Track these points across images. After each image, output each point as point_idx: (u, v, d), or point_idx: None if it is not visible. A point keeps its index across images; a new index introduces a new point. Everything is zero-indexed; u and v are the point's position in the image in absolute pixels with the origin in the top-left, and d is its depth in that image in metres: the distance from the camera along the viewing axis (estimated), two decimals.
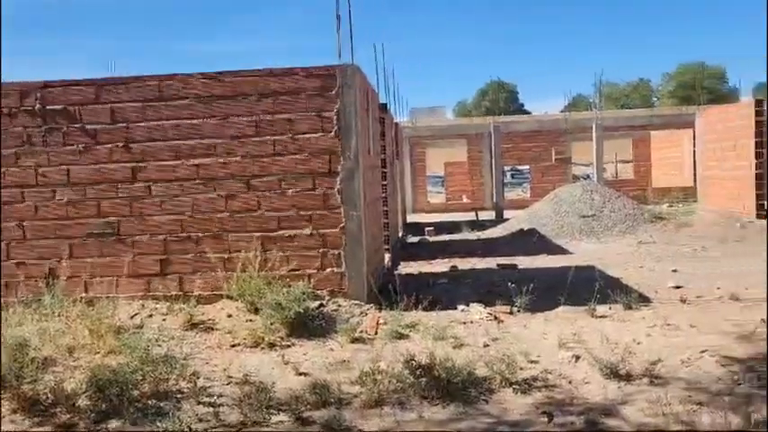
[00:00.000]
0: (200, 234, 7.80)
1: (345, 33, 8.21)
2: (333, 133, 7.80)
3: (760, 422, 4.27)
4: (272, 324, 6.59)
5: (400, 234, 16.33)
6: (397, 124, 16.89)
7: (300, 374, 5.63)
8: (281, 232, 7.86)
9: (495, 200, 21.40)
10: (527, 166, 25.84)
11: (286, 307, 6.63)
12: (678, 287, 9.04)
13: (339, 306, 7.67)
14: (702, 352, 5.94)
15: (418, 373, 5.17)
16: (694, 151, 20.79)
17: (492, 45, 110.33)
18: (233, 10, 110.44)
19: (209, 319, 7.14)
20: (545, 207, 16.95)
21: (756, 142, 15.09)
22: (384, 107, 12.29)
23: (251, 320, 6.94)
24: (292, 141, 7.84)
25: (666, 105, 51.88)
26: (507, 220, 18.35)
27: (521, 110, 64.09)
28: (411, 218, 21.32)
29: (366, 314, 7.48)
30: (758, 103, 15.62)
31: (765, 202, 15.12)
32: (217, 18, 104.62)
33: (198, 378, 5.50)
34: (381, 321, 7.14)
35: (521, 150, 24.21)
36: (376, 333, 6.82)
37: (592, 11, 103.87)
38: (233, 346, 6.43)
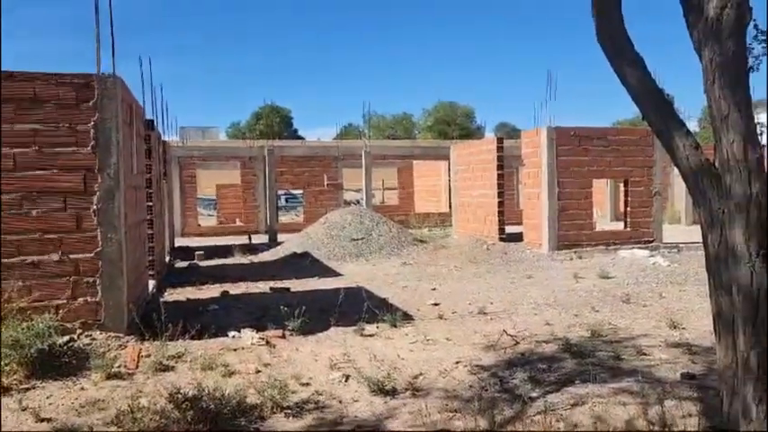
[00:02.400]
0: None
1: (106, 42, 7.55)
2: (89, 148, 7.09)
3: (504, 422, 4.77)
4: (6, 365, 5.68)
5: (168, 259, 15.37)
6: (165, 142, 15.96)
7: (42, 420, 4.91)
8: (21, 258, 6.87)
9: (269, 223, 21.31)
10: (301, 191, 26.23)
11: (25, 344, 5.77)
12: (437, 304, 9.84)
13: (94, 339, 6.93)
14: (457, 363, 6.52)
15: (184, 406, 4.83)
16: (449, 180, 23.05)
17: (267, 69, 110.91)
18: None
19: None
20: (318, 231, 17.33)
21: (498, 174, 17.26)
22: (151, 124, 11.53)
23: None
24: (39, 155, 6.95)
25: (426, 138, 56.97)
26: (281, 243, 18.36)
27: (295, 135, 65.27)
28: (180, 242, 20.20)
29: (125, 347, 6.86)
30: (499, 140, 17.92)
31: (505, 227, 17.30)
32: None
33: None
34: (143, 354, 6.60)
35: (295, 175, 24.53)
36: (137, 367, 6.26)
37: (360, 44, 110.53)
38: None
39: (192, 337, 7.06)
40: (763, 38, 5.11)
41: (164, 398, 5.03)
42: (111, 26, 7.62)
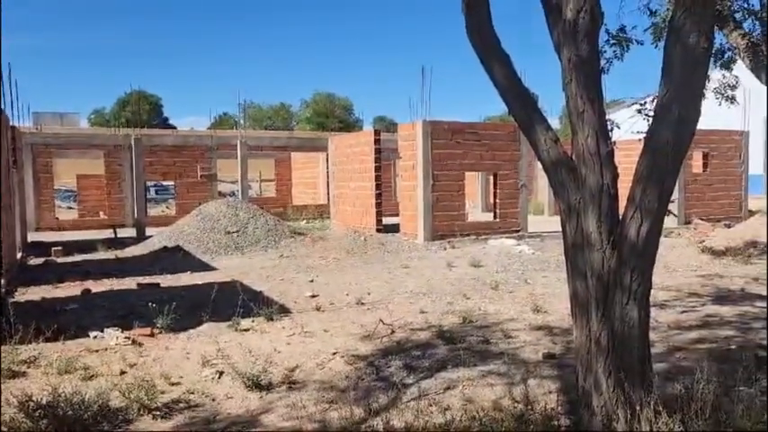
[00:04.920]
0: None
1: None
2: None
3: (379, 410, 4.84)
4: None
5: (19, 255, 14.06)
6: (14, 128, 14.54)
7: None
8: None
9: (136, 216, 20.12)
10: (172, 182, 25.01)
11: None
12: (314, 296, 9.79)
13: None
14: (334, 354, 6.52)
15: (37, 414, 4.44)
16: (327, 172, 23.02)
17: (134, 53, 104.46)
18: None
19: None
20: (190, 223, 16.62)
21: (376, 166, 17.49)
22: None
23: None
24: None
25: (304, 129, 56.54)
26: (150, 237, 17.40)
27: (166, 124, 62.25)
28: (35, 236, 18.57)
29: None
30: (376, 132, 18.15)
31: (382, 219, 17.60)
32: None
33: None
34: None
35: (165, 165, 23.29)
36: None
37: (234, 31, 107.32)
38: None
39: (48, 340, 6.51)
40: (614, 42, 5.55)
41: (13, 407, 4.59)
42: None
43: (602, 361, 4.08)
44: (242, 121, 28.46)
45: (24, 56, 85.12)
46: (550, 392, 5.12)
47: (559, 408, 4.72)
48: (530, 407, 4.71)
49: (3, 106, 11.39)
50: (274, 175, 29.26)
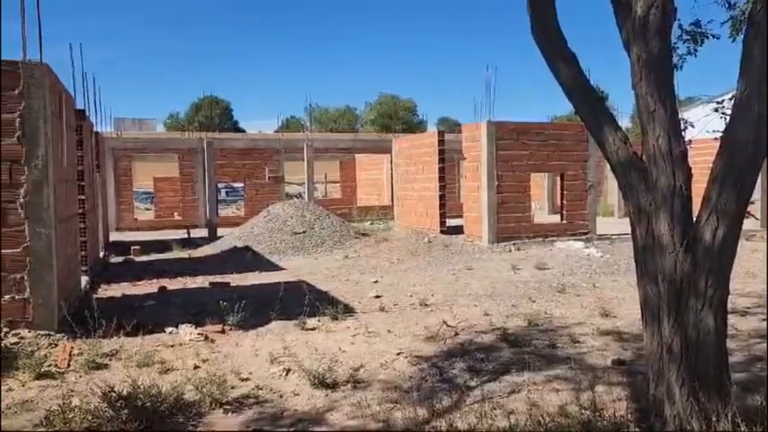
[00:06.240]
0: None
1: (32, 27, 7.20)
2: (15, 139, 6.77)
3: (442, 412, 4.85)
4: None
5: (102, 254, 14.85)
6: (98, 134, 15.37)
7: None
8: None
9: (208, 217, 20.87)
10: (241, 184, 25.79)
11: None
12: (378, 297, 9.88)
13: (22, 338, 6.65)
14: (398, 354, 6.57)
15: (118, 405, 4.69)
16: (392, 174, 23.13)
17: (206, 59, 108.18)
18: None
19: None
20: (259, 224, 17.10)
21: (439, 167, 17.45)
22: (82, 114, 11.07)
23: None
24: None
25: (369, 131, 56.93)
26: (221, 237, 18.03)
27: (235, 127, 64.05)
28: (115, 236, 19.56)
29: (56, 345, 6.61)
30: (440, 133, 18.11)
31: (446, 220, 17.54)
32: None
33: None
34: (76, 352, 6.37)
35: (235, 168, 24.07)
36: (68, 366, 6.05)
37: (302, 36, 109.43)
38: None
39: (128, 334, 6.86)
40: (688, 38, 5.34)
41: (97, 397, 4.87)
42: (38, 8, 7.27)
43: (675, 369, 3.95)
44: (308, 124, 28.98)
45: (108, 64, 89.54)
46: (619, 400, 4.98)
47: (629, 416, 4.59)
48: (598, 414, 4.59)
49: (87, 114, 12.06)
50: (339, 177, 29.64)
